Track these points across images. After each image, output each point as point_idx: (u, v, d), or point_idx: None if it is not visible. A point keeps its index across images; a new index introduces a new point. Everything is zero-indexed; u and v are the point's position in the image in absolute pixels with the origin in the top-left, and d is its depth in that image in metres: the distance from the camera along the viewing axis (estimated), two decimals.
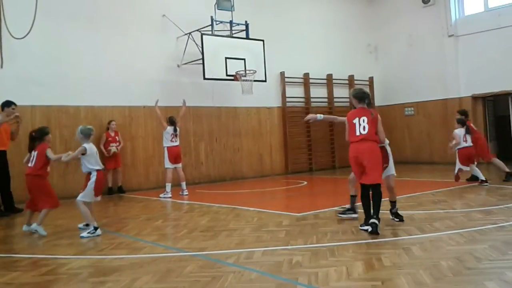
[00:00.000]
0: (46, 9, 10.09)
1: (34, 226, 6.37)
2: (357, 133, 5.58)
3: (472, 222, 5.85)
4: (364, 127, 5.54)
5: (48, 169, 6.60)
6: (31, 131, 6.80)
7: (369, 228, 5.41)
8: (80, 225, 6.67)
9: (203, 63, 11.59)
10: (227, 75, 12.01)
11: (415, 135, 16.52)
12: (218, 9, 12.16)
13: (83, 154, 6.28)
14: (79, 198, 6.34)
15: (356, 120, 5.61)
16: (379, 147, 5.65)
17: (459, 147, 9.40)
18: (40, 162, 6.40)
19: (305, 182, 12.03)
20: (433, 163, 15.52)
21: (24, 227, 6.55)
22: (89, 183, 6.32)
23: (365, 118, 5.57)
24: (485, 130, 15.15)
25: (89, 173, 6.35)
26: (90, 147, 6.35)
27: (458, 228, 5.55)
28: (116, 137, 11.13)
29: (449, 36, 15.47)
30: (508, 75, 14.00)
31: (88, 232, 6.15)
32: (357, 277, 3.91)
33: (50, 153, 6.44)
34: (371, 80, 17.13)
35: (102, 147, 10.70)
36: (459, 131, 9.43)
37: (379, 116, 5.76)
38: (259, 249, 4.97)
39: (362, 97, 5.75)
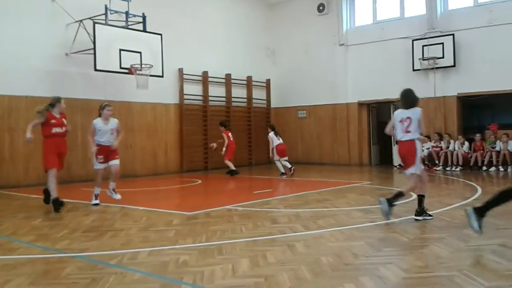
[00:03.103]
0: None
1: None
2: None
3: (352, 220, 6.23)
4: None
5: None
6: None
7: None
8: None
9: (94, 54, 11.01)
10: (121, 67, 11.53)
11: (307, 137, 17.29)
12: None
13: None
14: None
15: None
16: None
17: None
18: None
19: (200, 181, 11.95)
20: (322, 164, 16.38)
21: None
22: None
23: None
24: (368, 135, 16.34)
25: None
26: None
27: (339, 225, 5.87)
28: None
29: (340, 45, 16.44)
30: (391, 84, 15.15)
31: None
32: (242, 274, 3.95)
33: None
34: (268, 82, 17.57)
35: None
36: None
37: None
38: (145, 249, 4.81)
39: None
